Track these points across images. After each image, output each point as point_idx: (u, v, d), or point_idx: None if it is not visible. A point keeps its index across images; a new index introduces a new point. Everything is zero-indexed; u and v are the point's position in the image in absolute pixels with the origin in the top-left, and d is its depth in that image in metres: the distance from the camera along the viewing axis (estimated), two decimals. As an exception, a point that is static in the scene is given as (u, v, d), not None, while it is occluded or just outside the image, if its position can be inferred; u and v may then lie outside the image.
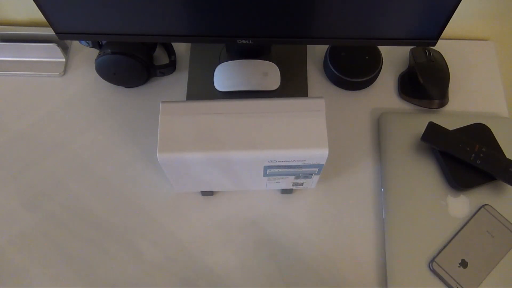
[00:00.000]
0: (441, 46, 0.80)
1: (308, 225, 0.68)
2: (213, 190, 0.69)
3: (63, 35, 0.64)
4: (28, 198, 0.70)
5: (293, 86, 0.77)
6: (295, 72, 0.78)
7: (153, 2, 0.57)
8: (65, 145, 0.74)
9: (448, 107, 0.76)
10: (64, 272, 0.66)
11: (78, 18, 0.60)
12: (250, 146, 0.54)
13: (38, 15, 0.83)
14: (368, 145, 0.74)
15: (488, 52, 0.81)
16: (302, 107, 0.56)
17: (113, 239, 0.67)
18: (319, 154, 0.55)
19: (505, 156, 0.68)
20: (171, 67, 0.77)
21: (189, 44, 0.81)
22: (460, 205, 0.67)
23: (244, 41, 0.64)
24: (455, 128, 0.70)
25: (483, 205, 0.67)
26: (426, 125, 0.69)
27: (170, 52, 0.79)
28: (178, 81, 0.78)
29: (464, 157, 0.66)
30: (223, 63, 0.74)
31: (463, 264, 0.63)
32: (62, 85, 0.79)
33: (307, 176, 0.62)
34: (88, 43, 0.73)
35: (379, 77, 0.78)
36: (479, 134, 0.70)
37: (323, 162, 0.57)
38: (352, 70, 0.75)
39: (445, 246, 0.64)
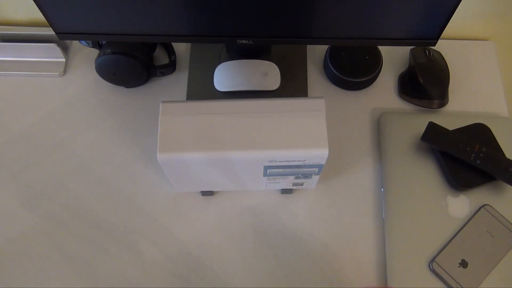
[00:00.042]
0: (441, 46, 0.80)
1: (308, 225, 0.68)
2: (213, 190, 0.69)
3: (63, 35, 0.64)
4: (28, 198, 0.70)
5: (293, 86, 0.77)
6: (295, 72, 0.78)
7: (153, 2, 0.57)
8: (65, 145, 0.74)
9: (448, 107, 0.76)
10: (64, 272, 0.66)
11: (78, 18, 0.60)
12: (250, 146, 0.54)
13: (38, 15, 0.83)
14: (368, 145, 0.74)
15: (488, 52, 0.81)
16: (302, 107, 0.56)
17: (113, 239, 0.67)
18: (319, 154, 0.55)
19: (505, 156, 0.68)
20: (171, 67, 0.77)
21: (189, 44, 0.81)
22: (460, 205, 0.67)
23: (244, 41, 0.64)
24: (455, 128, 0.70)
25: (483, 205, 0.67)
26: (426, 125, 0.69)
27: (170, 52, 0.79)
28: (178, 81, 0.78)
29: (464, 157, 0.66)
30: (223, 63, 0.74)
31: (463, 264, 0.63)
32: (62, 85, 0.79)
33: (307, 176, 0.62)
34: (88, 43, 0.73)
35: (379, 77, 0.78)
36: (479, 134, 0.70)
37: (323, 162, 0.57)
38: (352, 70, 0.75)
39: (445, 246, 0.64)
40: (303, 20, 0.59)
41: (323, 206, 0.69)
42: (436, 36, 0.62)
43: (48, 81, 0.79)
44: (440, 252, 0.64)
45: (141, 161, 0.72)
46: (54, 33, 0.63)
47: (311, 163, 0.57)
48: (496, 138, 0.70)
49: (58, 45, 0.77)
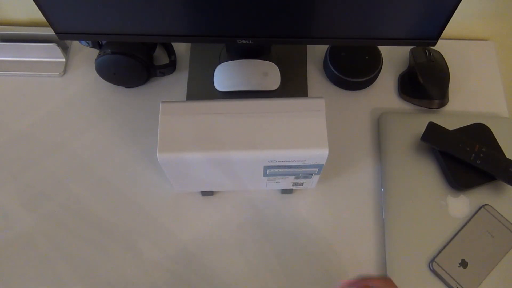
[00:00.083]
0: (441, 46, 0.80)
1: (308, 225, 0.68)
2: (213, 190, 0.69)
3: (63, 35, 0.64)
4: (28, 198, 0.70)
5: (293, 86, 0.77)
6: (295, 72, 0.78)
7: (153, 2, 0.57)
8: (65, 145, 0.74)
9: (448, 107, 0.76)
10: (64, 272, 0.66)
11: (78, 18, 0.60)
12: (250, 146, 0.54)
13: (38, 15, 0.83)
14: (368, 145, 0.74)
15: (488, 52, 0.81)
16: (302, 107, 0.56)
17: (113, 239, 0.67)
18: (319, 154, 0.55)
19: (505, 156, 0.68)
20: (171, 67, 0.77)
21: (189, 44, 0.81)
22: (460, 205, 0.67)
23: (244, 41, 0.64)
24: (455, 128, 0.70)
25: (483, 205, 0.67)
26: (426, 125, 0.69)
27: (170, 52, 0.79)
28: (178, 81, 0.78)
29: (464, 157, 0.66)
30: (223, 63, 0.74)
31: (463, 264, 0.63)
32: (62, 85, 0.79)
33: (307, 176, 0.62)
34: (88, 43, 0.73)
35: (379, 77, 0.78)
36: (479, 134, 0.70)
37: (323, 162, 0.57)
38: (352, 70, 0.75)
39: (445, 246, 0.64)
40: (303, 20, 0.59)
41: (323, 206, 0.69)
42: (436, 36, 0.62)
43: (48, 81, 0.79)
44: (440, 252, 0.64)
45: (141, 161, 0.72)
46: (54, 33, 0.63)
47: (311, 163, 0.57)
48: (496, 138, 0.70)
49: (58, 45, 0.77)
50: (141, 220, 0.68)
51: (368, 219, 0.68)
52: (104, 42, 0.72)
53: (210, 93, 0.75)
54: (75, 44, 0.81)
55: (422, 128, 0.69)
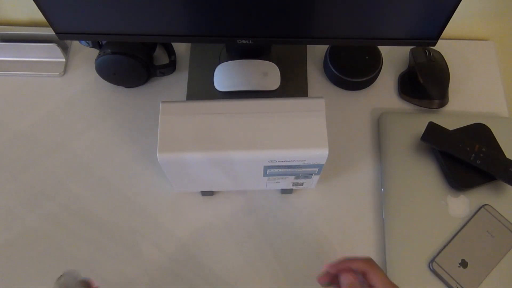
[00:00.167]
0: (441, 46, 0.80)
1: (308, 225, 0.68)
2: (213, 190, 0.69)
3: (63, 35, 0.64)
4: (28, 198, 0.70)
5: (293, 86, 0.77)
6: (295, 72, 0.78)
7: (153, 2, 0.57)
8: (65, 145, 0.74)
9: (448, 107, 0.76)
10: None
11: (78, 18, 0.60)
12: (250, 146, 0.54)
13: (38, 15, 0.83)
14: (368, 145, 0.74)
15: (488, 52, 0.81)
16: (302, 107, 0.56)
17: (113, 239, 0.67)
18: (319, 154, 0.55)
19: (505, 156, 0.68)
20: (171, 67, 0.77)
21: (189, 44, 0.81)
22: (460, 205, 0.67)
23: (244, 41, 0.64)
24: (455, 128, 0.70)
25: (483, 205, 0.67)
26: (426, 125, 0.69)
27: (170, 52, 0.79)
28: (178, 81, 0.78)
29: (464, 157, 0.66)
30: (223, 63, 0.74)
31: (463, 264, 0.63)
32: (62, 85, 0.79)
33: (307, 176, 0.62)
34: (88, 43, 0.73)
35: (379, 77, 0.78)
36: (479, 134, 0.70)
37: (323, 162, 0.57)
38: (352, 70, 0.75)
39: (445, 246, 0.64)
40: (303, 20, 0.59)
41: (323, 206, 0.69)
42: (436, 36, 0.62)
43: (48, 81, 0.79)
44: (440, 252, 0.64)
45: (141, 161, 0.72)
46: (54, 33, 0.63)
47: (311, 163, 0.57)
48: (496, 138, 0.70)
49: (58, 45, 0.77)
50: (141, 220, 0.68)
51: (368, 219, 0.68)
52: (104, 42, 0.72)
53: (210, 93, 0.75)
54: (75, 44, 0.81)
55: (422, 128, 0.69)
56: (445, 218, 0.66)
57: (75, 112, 0.76)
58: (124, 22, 0.61)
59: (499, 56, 0.82)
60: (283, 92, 0.74)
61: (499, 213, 0.66)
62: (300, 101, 0.56)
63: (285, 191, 0.70)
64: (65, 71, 0.80)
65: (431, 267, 0.63)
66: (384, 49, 0.79)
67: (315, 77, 0.79)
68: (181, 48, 0.81)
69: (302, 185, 0.66)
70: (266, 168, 0.58)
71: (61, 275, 0.49)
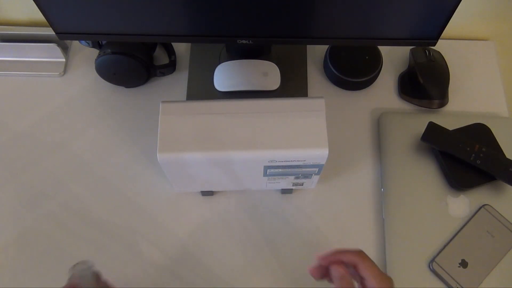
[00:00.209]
0: (441, 46, 0.80)
1: (308, 225, 0.68)
2: (213, 190, 0.69)
3: (63, 35, 0.64)
4: (28, 198, 0.70)
5: (293, 86, 0.77)
6: (295, 72, 0.78)
7: (153, 2, 0.57)
8: (65, 145, 0.74)
9: (448, 107, 0.76)
10: (64, 272, 0.66)
11: (78, 18, 0.60)
12: (250, 146, 0.54)
13: (38, 15, 0.83)
14: (368, 145, 0.74)
15: (488, 52, 0.81)
16: (302, 107, 0.56)
17: (113, 239, 0.67)
18: (319, 154, 0.55)
19: (505, 156, 0.68)
20: (171, 67, 0.77)
21: (189, 44, 0.81)
22: (460, 205, 0.67)
23: (244, 41, 0.64)
24: (455, 128, 0.70)
25: (483, 205, 0.67)
26: (426, 125, 0.69)
27: (170, 52, 0.79)
28: (178, 81, 0.78)
29: (464, 157, 0.66)
30: (223, 63, 0.74)
31: (463, 264, 0.63)
32: (62, 85, 0.79)
33: (307, 176, 0.62)
34: (88, 43, 0.73)
35: (379, 77, 0.78)
36: (479, 134, 0.70)
37: (323, 162, 0.57)
38: (352, 70, 0.75)
39: (445, 246, 0.64)
40: (303, 20, 0.59)
41: (323, 206, 0.69)
42: (436, 36, 0.62)
43: (48, 81, 0.79)
44: (440, 252, 0.64)
45: (141, 161, 0.72)
46: (54, 33, 0.63)
47: (311, 163, 0.57)
48: (496, 138, 0.70)
49: (58, 45, 0.77)
50: (141, 220, 0.68)
51: (368, 219, 0.68)
52: (104, 42, 0.72)
53: (210, 93, 0.75)
54: (75, 44, 0.81)
55: (422, 128, 0.69)
56: (445, 218, 0.66)
57: (75, 112, 0.76)
58: (124, 22, 0.61)
59: (499, 56, 0.82)
60: (283, 92, 0.74)
61: (499, 213, 0.66)
62: (300, 101, 0.56)
63: (285, 191, 0.70)
64: (65, 71, 0.80)
65: (431, 267, 0.63)
66: (384, 49, 0.79)
67: (315, 77, 0.79)
68: (181, 48, 0.81)
69: (302, 185, 0.66)
70: (266, 168, 0.58)
71: (76, 263, 0.49)
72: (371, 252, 0.66)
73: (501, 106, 0.77)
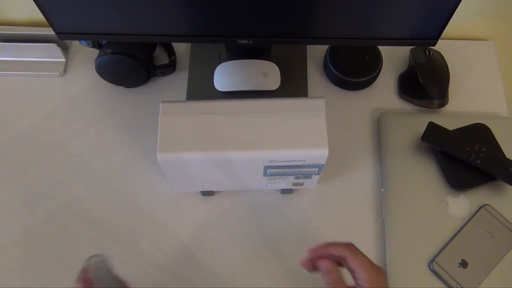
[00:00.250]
0: (441, 46, 0.80)
1: (308, 225, 0.68)
2: (213, 190, 0.69)
3: (63, 35, 0.64)
4: (28, 198, 0.70)
5: (293, 86, 0.77)
6: (295, 72, 0.78)
7: (153, 2, 0.57)
8: (65, 145, 0.74)
9: (448, 107, 0.76)
10: (64, 272, 0.66)
11: (78, 18, 0.60)
12: (250, 146, 0.54)
13: (38, 15, 0.83)
14: (368, 145, 0.74)
15: (488, 52, 0.82)
16: (302, 107, 0.56)
17: (113, 239, 0.67)
18: (319, 154, 0.55)
19: (505, 156, 0.68)
20: (171, 67, 0.77)
21: (189, 44, 0.81)
22: (460, 205, 0.67)
23: (244, 41, 0.64)
24: (455, 128, 0.70)
25: (483, 205, 0.67)
26: (426, 125, 0.69)
27: (170, 52, 0.79)
28: (178, 81, 0.78)
29: (464, 157, 0.66)
30: (223, 63, 0.74)
31: (463, 264, 0.63)
32: (62, 85, 0.79)
33: (307, 176, 0.62)
34: (88, 43, 0.73)
35: (379, 77, 0.78)
36: (479, 134, 0.70)
37: (323, 162, 0.57)
38: (352, 70, 0.75)
39: (445, 246, 0.64)
40: (303, 20, 0.59)
41: (323, 206, 0.69)
42: (436, 36, 0.62)
43: (48, 81, 0.79)
44: (440, 252, 0.64)
45: (141, 161, 0.72)
46: (54, 33, 0.63)
47: (311, 163, 0.57)
48: (496, 138, 0.70)
49: (58, 45, 0.77)
50: (141, 220, 0.68)
51: (368, 219, 0.68)
52: (104, 42, 0.72)
53: (210, 93, 0.75)
54: (75, 44, 0.81)
55: (422, 128, 0.69)
56: (445, 218, 0.66)
57: (75, 112, 0.76)
58: (124, 22, 0.61)
59: (499, 56, 0.82)
60: (283, 92, 0.74)
61: (499, 213, 0.66)
62: (300, 101, 0.56)
63: (285, 191, 0.70)
64: (65, 71, 0.80)
65: (431, 267, 0.63)
66: (384, 49, 0.79)
67: (315, 77, 0.79)
68: (181, 48, 0.81)
69: (302, 185, 0.66)
70: (266, 168, 0.58)
71: (91, 256, 0.50)
72: (371, 252, 0.66)
73: (501, 106, 0.77)
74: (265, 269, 0.66)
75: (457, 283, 0.62)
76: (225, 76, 0.73)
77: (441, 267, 0.63)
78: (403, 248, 0.64)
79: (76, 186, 0.71)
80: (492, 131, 0.70)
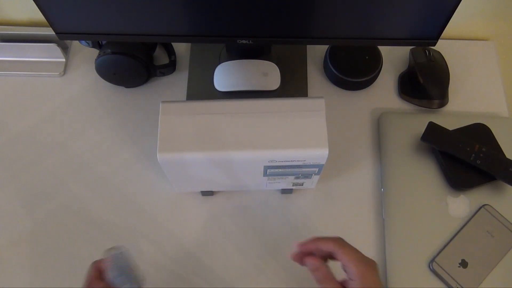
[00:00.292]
0: (441, 46, 0.80)
1: (308, 225, 0.68)
2: (213, 190, 0.69)
3: (63, 35, 0.64)
4: (28, 198, 0.70)
5: (293, 86, 0.77)
6: (295, 72, 0.78)
7: (153, 2, 0.57)
8: (65, 145, 0.74)
9: (448, 107, 0.76)
10: (64, 272, 0.66)
11: (78, 18, 0.60)
12: (250, 146, 0.54)
13: (38, 15, 0.83)
14: (368, 145, 0.74)
15: (488, 52, 0.81)
16: (302, 107, 0.56)
17: (113, 239, 0.67)
18: (319, 154, 0.55)
19: (505, 156, 0.68)
20: (171, 67, 0.77)
21: (189, 44, 0.81)
22: (460, 205, 0.67)
23: (244, 41, 0.64)
24: (455, 128, 0.70)
25: (483, 205, 0.67)
26: (426, 125, 0.69)
27: (170, 52, 0.79)
28: (178, 81, 0.78)
29: (464, 157, 0.66)
30: (223, 63, 0.74)
31: (463, 264, 0.63)
32: (62, 85, 0.79)
33: (307, 176, 0.62)
34: (88, 43, 0.73)
35: (379, 77, 0.78)
36: (479, 134, 0.70)
37: (323, 162, 0.57)
38: (352, 70, 0.75)
39: (445, 246, 0.64)
40: (303, 20, 0.59)
41: (323, 206, 0.69)
42: (436, 36, 0.62)
43: (48, 81, 0.79)
44: (440, 252, 0.64)
45: (141, 161, 0.72)
46: (54, 33, 0.63)
47: (311, 163, 0.57)
48: (496, 138, 0.70)
49: (58, 45, 0.77)
50: (141, 220, 0.68)
51: (368, 219, 0.68)
52: (104, 42, 0.72)
53: (210, 93, 0.75)
54: (75, 44, 0.81)
55: (422, 128, 0.69)
56: (445, 218, 0.66)
57: (75, 112, 0.76)
58: (124, 22, 0.61)
59: (499, 56, 0.82)
60: (283, 92, 0.74)
61: (499, 213, 0.66)
62: (300, 101, 0.56)
63: (285, 191, 0.70)
64: (65, 71, 0.80)
65: (431, 267, 0.63)
66: (384, 49, 0.79)
67: (315, 77, 0.79)
68: (181, 48, 0.81)
69: (302, 185, 0.66)
70: (266, 168, 0.58)
71: (110, 248, 0.50)
72: (371, 252, 0.66)
73: (501, 106, 0.77)
74: (265, 269, 0.65)
75: (457, 283, 0.62)
76: (225, 76, 0.73)
77: (441, 267, 0.63)
78: (403, 248, 0.64)
79: (76, 186, 0.71)
80: (492, 131, 0.70)
